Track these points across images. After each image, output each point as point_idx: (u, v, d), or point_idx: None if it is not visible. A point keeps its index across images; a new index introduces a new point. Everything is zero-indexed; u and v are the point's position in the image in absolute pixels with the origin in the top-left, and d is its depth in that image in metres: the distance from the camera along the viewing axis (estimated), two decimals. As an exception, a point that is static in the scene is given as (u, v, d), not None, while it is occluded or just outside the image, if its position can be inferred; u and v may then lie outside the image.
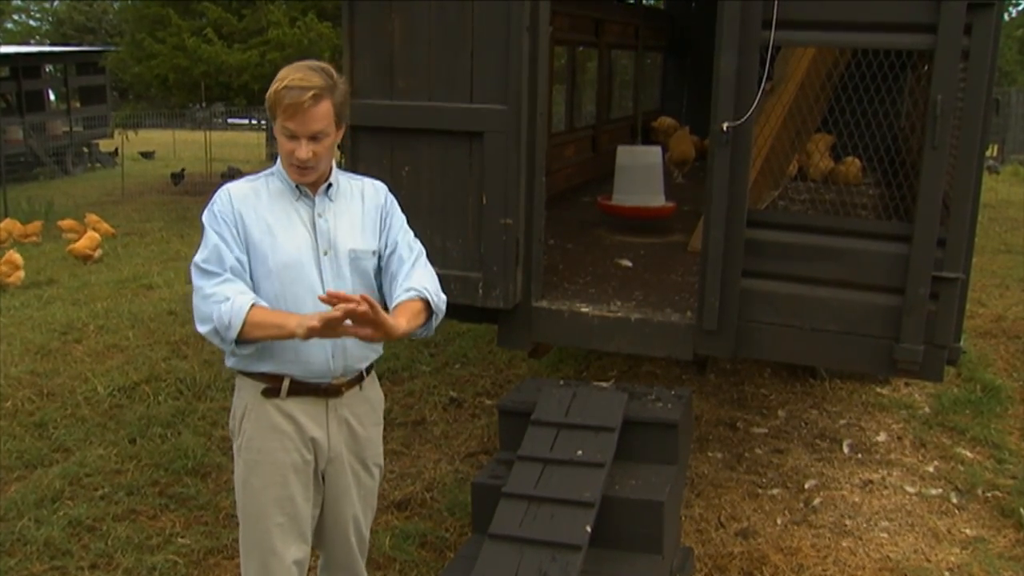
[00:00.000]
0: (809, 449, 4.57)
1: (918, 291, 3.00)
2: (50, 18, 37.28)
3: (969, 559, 3.55)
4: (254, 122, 26.38)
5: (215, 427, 4.72)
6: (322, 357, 2.26)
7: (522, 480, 2.79)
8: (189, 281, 2.33)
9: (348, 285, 2.28)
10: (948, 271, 2.99)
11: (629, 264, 4.43)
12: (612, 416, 2.97)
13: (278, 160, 2.29)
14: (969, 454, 4.49)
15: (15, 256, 8.24)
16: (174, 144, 21.87)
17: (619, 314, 3.55)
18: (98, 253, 9.28)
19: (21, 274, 8.10)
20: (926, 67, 3.72)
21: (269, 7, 13.15)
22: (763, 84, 3.11)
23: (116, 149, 18.28)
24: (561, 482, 2.75)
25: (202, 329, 2.17)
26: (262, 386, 2.27)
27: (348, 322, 2.04)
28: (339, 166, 2.38)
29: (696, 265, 3.61)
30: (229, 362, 2.31)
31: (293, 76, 2.13)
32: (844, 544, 3.66)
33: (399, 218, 2.42)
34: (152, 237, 10.87)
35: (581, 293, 3.83)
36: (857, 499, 4.04)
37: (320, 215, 2.28)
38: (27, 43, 32.00)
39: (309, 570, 2.46)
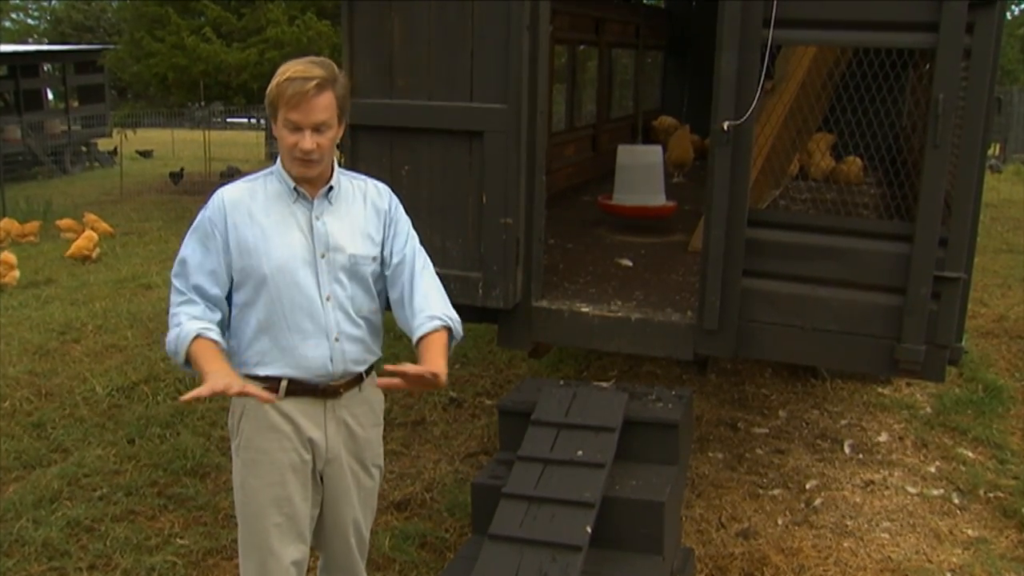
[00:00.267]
0: (810, 449, 4.56)
1: (920, 291, 2.99)
2: (48, 16, 37.28)
3: (971, 560, 3.54)
4: (253, 121, 26.35)
5: (214, 427, 4.71)
6: (320, 361, 2.24)
7: (522, 480, 2.78)
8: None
9: (346, 290, 2.26)
10: (950, 271, 2.98)
11: (629, 264, 4.42)
12: (612, 416, 2.96)
13: (278, 160, 2.27)
14: (971, 454, 4.48)
15: (9, 256, 8.23)
16: (173, 143, 21.86)
17: (619, 314, 3.54)
18: (96, 253, 9.26)
19: (16, 274, 8.09)
20: (927, 66, 3.71)
21: (268, 6, 13.13)
22: (764, 83, 3.10)
23: (115, 148, 18.27)
24: (561, 482, 2.74)
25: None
26: (260, 386, 2.26)
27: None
28: (339, 165, 2.36)
29: (697, 265, 3.60)
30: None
31: (295, 68, 2.13)
32: (845, 545, 3.65)
33: (405, 224, 2.39)
34: (151, 237, 10.86)
35: (581, 293, 3.82)
36: (858, 499, 4.03)
37: (318, 218, 2.25)
38: (25, 42, 31.96)
39: (309, 571, 2.44)
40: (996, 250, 9.24)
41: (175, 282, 2.22)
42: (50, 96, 21.82)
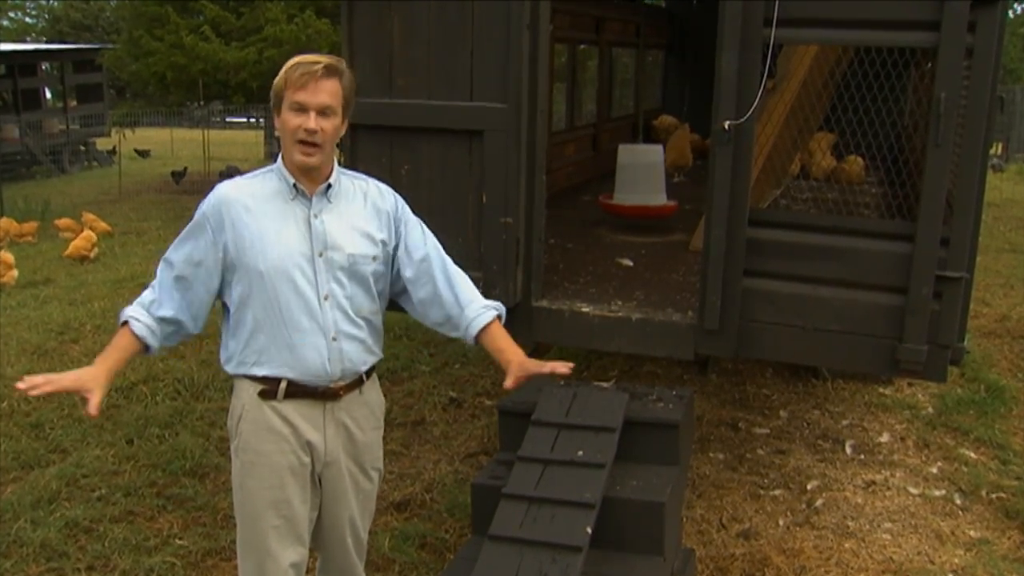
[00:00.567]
0: (811, 450, 4.55)
1: (921, 291, 2.97)
2: (46, 15, 37.29)
3: (973, 561, 3.53)
4: (252, 120, 26.35)
5: (213, 427, 4.70)
6: (318, 360, 2.23)
7: (522, 481, 2.76)
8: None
9: (345, 290, 2.25)
10: (952, 270, 2.96)
11: (630, 263, 4.40)
12: (613, 416, 2.95)
13: (278, 158, 2.26)
14: (973, 455, 4.47)
15: (7, 256, 8.21)
16: (172, 142, 21.84)
17: (620, 314, 3.52)
18: (95, 252, 9.25)
19: (14, 273, 8.07)
20: (929, 65, 3.70)
21: (267, 4, 13.10)
22: (765, 82, 3.09)
23: (113, 148, 18.26)
24: (561, 483, 2.73)
25: None
26: (259, 388, 2.25)
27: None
28: (339, 165, 2.35)
29: (697, 264, 3.59)
30: (227, 368, 2.29)
31: (303, 57, 2.19)
32: (847, 545, 3.64)
33: (416, 222, 2.41)
34: (149, 236, 10.84)
35: (582, 292, 3.81)
36: (860, 500, 4.02)
37: (316, 216, 2.24)
38: (23, 40, 31.93)
39: (307, 572, 2.43)
40: (998, 250, 9.23)
41: (160, 266, 2.30)
42: (48, 95, 21.80)
